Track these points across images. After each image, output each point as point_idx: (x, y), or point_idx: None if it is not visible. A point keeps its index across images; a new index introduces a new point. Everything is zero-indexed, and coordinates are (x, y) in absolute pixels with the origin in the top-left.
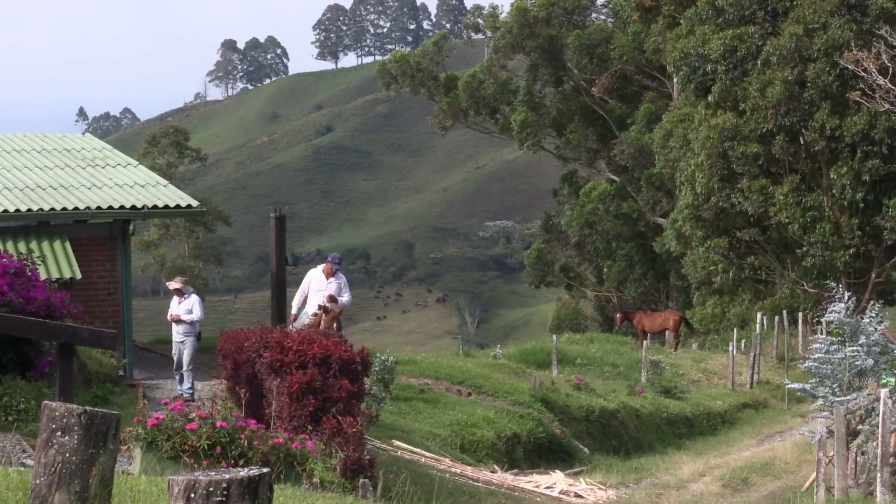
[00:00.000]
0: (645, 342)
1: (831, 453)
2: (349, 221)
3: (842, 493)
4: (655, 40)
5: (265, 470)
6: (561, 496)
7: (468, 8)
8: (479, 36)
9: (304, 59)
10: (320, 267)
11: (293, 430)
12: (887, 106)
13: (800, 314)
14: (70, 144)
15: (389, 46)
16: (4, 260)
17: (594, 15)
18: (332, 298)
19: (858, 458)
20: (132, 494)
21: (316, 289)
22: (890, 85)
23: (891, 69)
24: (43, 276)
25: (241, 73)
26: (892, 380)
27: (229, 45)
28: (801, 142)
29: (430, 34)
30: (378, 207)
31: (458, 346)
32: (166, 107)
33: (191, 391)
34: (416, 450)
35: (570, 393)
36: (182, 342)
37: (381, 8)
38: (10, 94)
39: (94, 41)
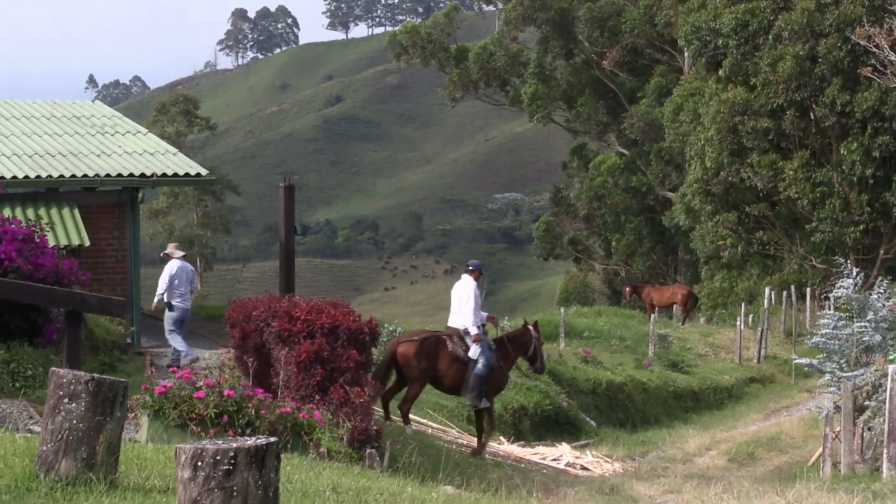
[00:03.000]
0: (653, 316)
1: (838, 429)
2: (358, 192)
3: (848, 468)
4: (667, 14)
5: (273, 439)
6: (567, 468)
7: None
8: (491, 8)
9: (314, 29)
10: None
11: (300, 399)
12: None
13: (808, 289)
14: (79, 112)
15: (400, 17)
16: (13, 226)
17: None
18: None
19: (865, 434)
20: (139, 462)
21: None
22: None
23: None
24: (51, 242)
25: (251, 43)
26: None
27: (240, 14)
28: (812, 117)
29: (442, 5)
30: (387, 178)
31: None
32: (176, 75)
33: (175, 353)
34: (423, 420)
35: (578, 366)
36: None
37: None
38: (21, 61)
39: (105, 9)
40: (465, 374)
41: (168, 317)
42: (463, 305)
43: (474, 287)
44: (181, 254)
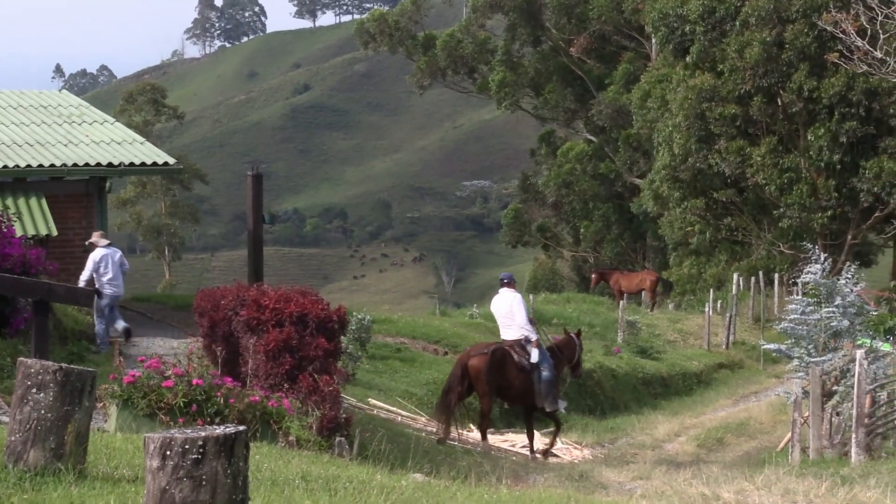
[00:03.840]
0: (621, 302)
1: (806, 414)
2: (326, 180)
3: (817, 453)
4: (634, 0)
5: (241, 428)
6: (536, 455)
7: None
8: None
9: (281, 17)
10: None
11: (269, 388)
12: (865, 68)
13: (776, 275)
14: (47, 101)
15: (367, 5)
16: None
17: None
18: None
19: (833, 419)
20: (108, 451)
21: None
22: (868, 47)
23: (869, 31)
24: (19, 232)
25: (218, 31)
26: (868, 341)
27: (207, 3)
28: (779, 103)
29: None
30: (355, 166)
31: (435, 305)
32: (143, 64)
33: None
34: (392, 408)
35: None
36: None
37: None
38: None
39: None
40: (529, 383)
41: (96, 302)
42: (515, 316)
43: (520, 297)
44: (106, 242)
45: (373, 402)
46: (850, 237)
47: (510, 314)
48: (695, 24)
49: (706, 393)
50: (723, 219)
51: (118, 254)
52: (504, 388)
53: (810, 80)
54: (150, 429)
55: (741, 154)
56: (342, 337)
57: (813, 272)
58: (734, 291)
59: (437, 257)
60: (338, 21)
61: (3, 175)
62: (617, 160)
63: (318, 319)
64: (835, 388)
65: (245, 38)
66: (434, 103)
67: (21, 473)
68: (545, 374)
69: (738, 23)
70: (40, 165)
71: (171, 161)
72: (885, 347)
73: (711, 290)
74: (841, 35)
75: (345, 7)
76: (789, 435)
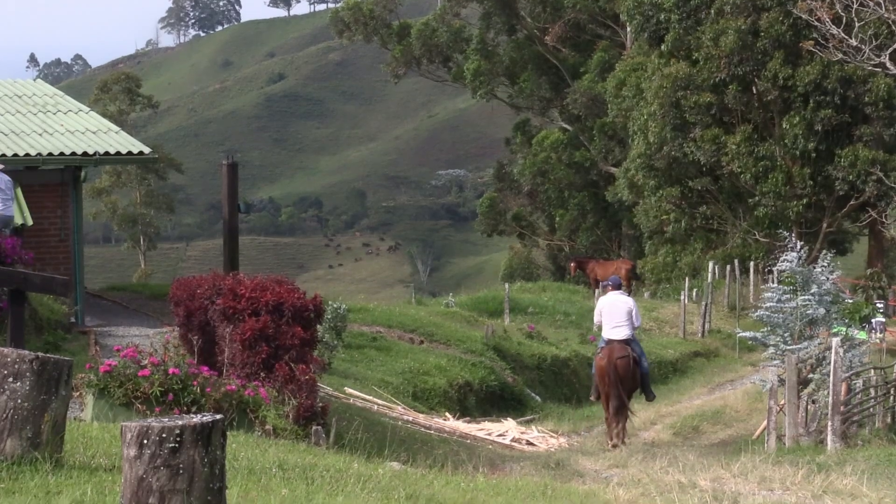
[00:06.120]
0: (597, 290)
1: (782, 402)
2: (301, 169)
3: (792, 441)
4: None
5: (218, 416)
6: (513, 444)
7: None
8: None
9: (256, 6)
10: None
11: (246, 377)
12: (840, 56)
13: (751, 263)
14: (21, 90)
15: None
16: None
17: None
18: None
19: (809, 407)
20: (84, 441)
21: None
22: (843, 35)
23: (844, 19)
24: None
25: (192, 20)
26: (843, 329)
27: None
28: (754, 91)
29: None
30: (330, 155)
31: (411, 294)
32: (118, 53)
33: None
34: (368, 397)
35: (522, 341)
36: None
37: None
38: None
39: None
40: (638, 376)
41: None
42: (635, 320)
43: (635, 303)
44: (1, 167)
45: (349, 390)
46: (825, 225)
47: (629, 316)
48: (670, 13)
49: (682, 381)
50: (698, 207)
51: (8, 178)
52: (627, 381)
53: (785, 68)
54: (127, 418)
55: (716, 142)
56: (318, 326)
57: (789, 260)
58: (709, 279)
59: (412, 246)
60: (312, 10)
61: None
62: (592, 149)
63: (294, 308)
64: (810, 376)
65: (219, 27)
66: (409, 92)
67: None
68: (644, 367)
69: (713, 11)
70: (15, 155)
71: (146, 150)
72: (861, 335)
73: (687, 279)
74: (816, 23)
75: None
76: (765, 423)
